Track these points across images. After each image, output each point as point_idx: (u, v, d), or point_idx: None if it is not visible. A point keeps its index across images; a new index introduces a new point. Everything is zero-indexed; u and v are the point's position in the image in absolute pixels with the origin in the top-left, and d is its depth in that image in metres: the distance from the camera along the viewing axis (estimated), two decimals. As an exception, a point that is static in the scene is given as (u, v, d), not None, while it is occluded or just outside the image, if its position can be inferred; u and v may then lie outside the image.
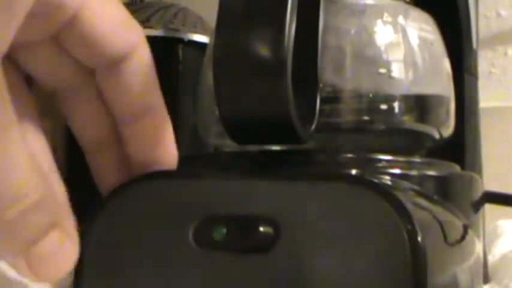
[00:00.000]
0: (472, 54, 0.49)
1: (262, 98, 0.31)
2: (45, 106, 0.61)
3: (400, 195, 0.30)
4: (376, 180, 0.31)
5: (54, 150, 0.60)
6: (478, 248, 0.41)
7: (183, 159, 0.45)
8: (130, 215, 0.34)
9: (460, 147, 0.47)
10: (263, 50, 0.31)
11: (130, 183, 0.35)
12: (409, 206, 0.30)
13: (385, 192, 0.30)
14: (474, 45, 0.49)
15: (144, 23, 0.66)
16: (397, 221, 0.29)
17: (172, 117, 0.63)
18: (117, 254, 0.34)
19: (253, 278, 0.31)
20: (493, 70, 0.70)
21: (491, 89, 0.70)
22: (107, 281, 0.33)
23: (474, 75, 0.49)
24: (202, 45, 0.65)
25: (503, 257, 0.50)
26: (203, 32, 0.67)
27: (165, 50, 0.66)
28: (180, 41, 0.66)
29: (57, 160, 0.58)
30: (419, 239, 0.29)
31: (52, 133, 0.63)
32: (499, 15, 0.69)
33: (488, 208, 0.52)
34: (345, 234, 0.30)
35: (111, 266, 0.34)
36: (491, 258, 0.51)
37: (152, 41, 0.64)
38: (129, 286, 0.33)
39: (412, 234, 0.29)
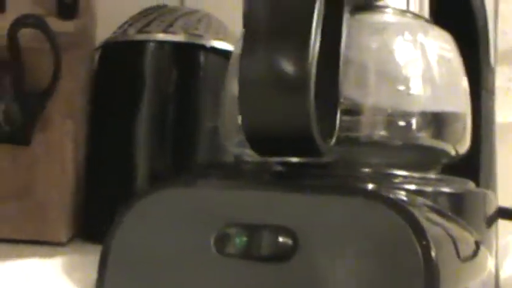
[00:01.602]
0: (490, 71, 0.50)
1: (285, 112, 0.32)
2: (66, 108, 0.62)
3: (415, 211, 0.32)
4: (391, 196, 0.32)
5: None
6: (490, 263, 0.42)
7: (199, 167, 0.46)
8: (154, 221, 0.35)
9: (476, 164, 0.47)
10: (288, 67, 0.32)
11: (155, 190, 0.36)
12: (424, 222, 0.31)
13: (400, 208, 0.31)
14: (492, 62, 0.50)
15: (167, 28, 0.67)
16: (412, 237, 0.30)
17: (193, 122, 0.65)
18: (140, 258, 0.35)
19: (271, 287, 0.32)
20: (511, 86, 0.71)
21: (508, 104, 0.71)
22: (129, 283, 0.35)
23: (491, 92, 0.50)
24: (224, 52, 0.66)
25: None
26: (225, 39, 0.68)
27: (187, 55, 0.67)
28: (203, 47, 0.67)
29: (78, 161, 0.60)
30: (433, 254, 0.30)
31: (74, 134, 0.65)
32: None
33: (502, 224, 0.53)
34: (360, 248, 0.31)
35: (133, 270, 0.35)
36: (502, 274, 0.52)
37: (174, 46, 0.66)
38: (152, 286, 0.34)
39: (426, 249, 0.30)
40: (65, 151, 0.63)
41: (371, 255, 0.31)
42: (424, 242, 0.30)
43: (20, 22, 0.58)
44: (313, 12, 0.32)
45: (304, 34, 0.32)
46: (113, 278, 0.35)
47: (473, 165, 0.47)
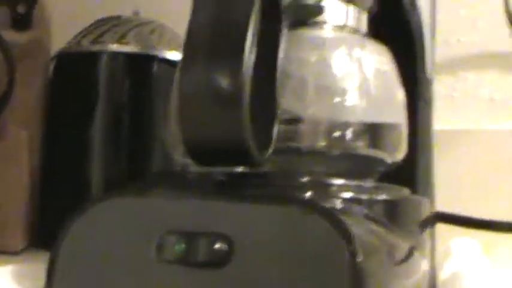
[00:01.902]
0: (427, 82, 0.52)
1: (221, 125, 0.34)
2: (22, 117, 0.63)
3: (344, 218, 0.33)
4: (321, 204, 0.34)
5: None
6: (424, 266, 0.45)
7: (152, 176, 0.48)
8: (102, 228, 0.37)
9: (413, 172, 0.50)
10: (223, 81, 0.34)
11: (102, 199, 0.37)
12: (352, 228, 0.33)
13: (329, 216, 0.33)
14: (428, 74, 0.52)
15: (121, 39, 0.68)
16: (340, 243, 0.32)
17: (147, 132, 0.66)
18: (87, 264, 0.36)
19: None
20: (454, 94, 0.73)
21: (452, 112, 0.73)
22: (78, 284, 0.36)
23: (428, 102, 0.52)
24: (177, 63, 0.67)
25: (454, 274, 0.53)
26: (179, 49, 0.69)
27: (140, 66, 0.68)
28: (155, 58, 0.68)
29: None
30: (359, 259, 0.32)
31: (29, 143, 0.65)
32: (459, 41, 0.73)
33: (443, 228, 0.55)
34: (292, 255, 0.33)
35: (80, 275, 0.37)
36: (442, 275, 0.54)
37: (127, 57, 0.67)
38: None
39: (353, 254, 0.32)
40: (20, 160, 0.64)
41: (303, 262, 0.33)
42: (351, 248, 0.32)
43: (-28, 33, 0.59)
44: (247, 30, 0.33)
45: (238, 51, 0.33)
46: (60, 284, 0.37)
47: (411, 173, 0.49)
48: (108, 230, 0.37)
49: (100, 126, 0.66)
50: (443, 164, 0.68)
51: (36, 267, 0.47)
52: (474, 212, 0.55)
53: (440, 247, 0.56)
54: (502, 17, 0.71)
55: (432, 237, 0.52)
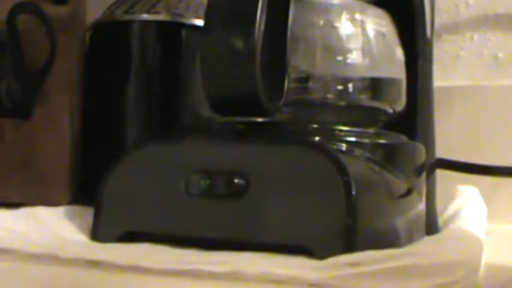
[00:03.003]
0: (426, 43, 0.57)
1: (237, 80, 0.40)
2: (62, 84, 0.68)
3: (342, 156, 0.40)
4: (324, 145, 0.41)
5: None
6: (420, 207, 0.51)
7: (181, 128, 0.54)
8: (139, 171, 0.44)
9: (413, 122, 0.55)
10: (238, 43, 0.40)
11: (139, 147, 0.44)
12: (349, 165, 0.40)
13: (329, 154, 0.40)
14: (428, 34, 0.57)
15: (151, 8, 0.73)
16: (336, 176, 0.39)
17: (176, 94, 0.71)
18: (126, 202, 0.43)
19: (231, 218, 0.41)
20: (461, 53, 0.78)
21: (460, 70, 0.78)
22: (119, 222, 0.43)
23: (428, 61, 0.58)
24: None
25: (454, 215, 0.59)
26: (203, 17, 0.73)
27: (169, 33, 0.73)
28: (183, 25, 0.73)
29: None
30: (354, 191, 0.39)
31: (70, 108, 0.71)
32: (467, 3, 0.78)
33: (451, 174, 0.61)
34: (298, 186, 0.40)
35: (122, 212, 0.44)
36: (445, 215, 0.60)
37: (158, 25, 0.72)
38: (138, 222, 0.43)
39: (348, 186, 0.38)
40: (62, 123, 0.68)
41: (307, 193, 0.39)
42: (346, 179, 0.38)
43: (18, 9, 0.64)
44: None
45: (251, 18, 0.40)
46: (107, 218, 0.44)
47: (412, 124, 0.55)
48: (144, 171, 0.44)
49: (133, 90, 0.71)
50: (450, 118, 0.74)
51: (83, 210, 0.54)
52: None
53: (442, 193, 0.61)
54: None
55: (433, 183, 0.58)
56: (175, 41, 0.73)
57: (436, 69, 0.61)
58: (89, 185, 0.71)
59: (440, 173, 0.59)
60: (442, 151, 0.60)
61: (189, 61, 0.72)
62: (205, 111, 0.52)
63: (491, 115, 0.75)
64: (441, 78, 0.75)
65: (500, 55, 0.77)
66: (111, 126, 0.72)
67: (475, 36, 0.78)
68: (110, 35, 0.74)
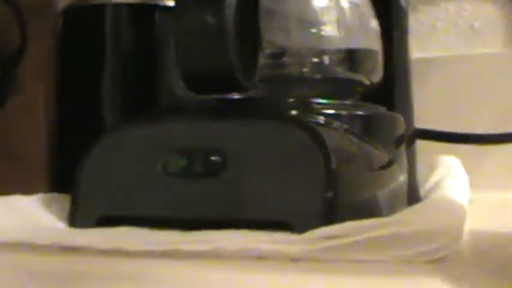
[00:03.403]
0: (401, 13, 0.57)
1: (211, 56, 0.40)
2: (36, 71, 0.68)
3: (320, 129, 0.39)
4: (301, 118, 0.40)
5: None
6: (401, 178, 0.50)
7: (157, 109, 0.54)
8: (113, 154, 0.43)
9: (391, 93, 0.55)
10: (210, 19, 0.39)
11: (112, 130, 0.44)
12: (327, 137, 0.39)
13: (307, 127, 0.39)
14: (403, 5, 0.57)
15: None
16: (314, 148, 0.38)
17: (152, 76, 0.71)
18: (104, 184, 0.43)
19: (210, 196, 0.40)
20: (437, 24, 0.78)
21: (436, 41, 0.78)
22: (97, 204, 0.43)
23: (404, 32, 0.57)
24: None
25: (436, 185, 0.59)
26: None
27: (142, 16, 0.72)
28: (156, 7, 0.72)
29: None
30: (333, 163, 0.38)
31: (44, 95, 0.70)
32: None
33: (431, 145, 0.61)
34: (276, 162, 0.39)
35: (101, 193, 0.43)
36: (427, 186, 0.60)
37: (130, 8, 0.71)
38: (116, 205, 0.42)
39: (327, 157, 0.38)
40: (37, 110, 0.68)
41: (285, 168, 0.39)
42: (324, 151, 0.38)
43: (-13, -4, 0.63)
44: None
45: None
46: (84, 202, 0.43)
47: (389, 95, 0.55)
48: (120, 154, 0.43)
49: (108, 74, 0.70)
50: (426, 89, 0.74)
51: (62, 196, 0.53)
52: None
53: (424, 163, 0.61)
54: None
55: (413, 153, 0.58)
56: (149, 23, 0.72)
57: (413, 40, 0.61)
58: (67, 172, 0.71)
59: (420, 144, 0.59)
60: (420, 122, 0.60)
61: (164, 42, 0.72)
62: (181, 91, 0.51)
63: (468, 85, 0.75)
64: (418, 50, 0.75)
65: (476, 24, 0.77)
66: (87, 111, 0.71)
67: (451, 7, 0.78)
68: (82, 19, 0.73)
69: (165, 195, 0.41)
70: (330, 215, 0.38)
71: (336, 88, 0.50)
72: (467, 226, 0.43)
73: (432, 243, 0.35)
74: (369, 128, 0.48)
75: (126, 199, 0.42)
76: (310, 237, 0.36)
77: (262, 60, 0.45)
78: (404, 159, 0.51)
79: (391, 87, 0.55)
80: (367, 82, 0.51)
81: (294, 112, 0.45)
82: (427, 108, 0.70)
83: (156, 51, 0.72)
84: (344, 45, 0.50)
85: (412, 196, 0.53)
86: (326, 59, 0.49)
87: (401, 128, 0.51)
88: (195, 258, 0.37)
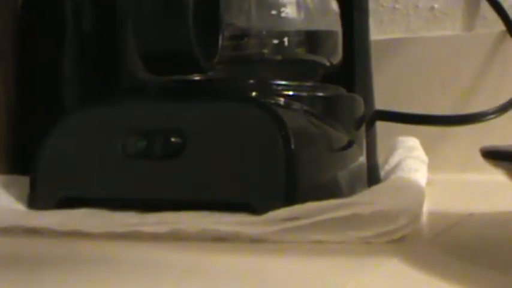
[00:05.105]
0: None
1: (170, 37, 0.40)
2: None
3: (280, 110, 0.39)
4: (260, 100, 0.40)
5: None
6: (361, 159, 0.51)
7: (117, 90, 0.53)
8: (73, 136, 0.43)
9: (351, 74, 0.55)
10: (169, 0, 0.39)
11: (72, 111, 0.43)
12: (287, 119, 0.39)
13: (266, 108, 0.39)
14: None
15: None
16: (274, 130, 0.38)
17: (112, 56, 0.70)
18: (64, 166, 0.43)
19: (170, 178, 0.40)
20: (397, 6, 0.79)
21: (396, 22, 0.78)
22: (57, 186, 0.42)
23: (364, 12, 0.58)
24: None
25: (396, 165, 0.59)
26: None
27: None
28: None
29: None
30: (292, 143, 0.38)
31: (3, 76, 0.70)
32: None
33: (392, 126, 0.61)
34: (236, 143, 0.39)
35: (60, 175, 0.43)
36: (387, 167, 0.60)
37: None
38: (75, 186, 0.42)
39: (286, 138, 0.38)
40: None
41: (245, 149, 0.39)
42: (283, 132, 0.38)
43: None
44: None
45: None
46: (43, 186, 0.43)
47: (349, 76, 0.55)
48: (80, 135, 0.43)
49: (69, 56, 0.70)
50: (386, 70, 0.74)
51: (22, 178, 0.53)
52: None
53: (383, 145, 0.61)
54: None
55: (373, 135, 0.58)
56: (110, 3, 0.72)
57: (373, 22, 0.61)
58: (27, 154, 0.70)
59: (380, 125, 0.59)
60: (380, 103, 0.60)
61: (124, 24, 0.71)
62: (141, 72, 0.51)
63: (428, 67, 0.76)
64: (378, 32, 0.76)
65: (436, 6, 0.77)
66: (48, 94, 0.71)
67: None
68: (41, 1, 0.72)
69: (125, 177, 0.41)
70: (291, 196, 0.39)
71: (296, 69, 0.50)
72: (426, 207, 0.43)
73: (391, 223, 0.36)
74: (329, 110, 0.48)
75: (86, 181, 0.42)
76: (270, 219, 0.37)
77: (222, 42, 0.44)
78: (364, 141, 0.52)
79: (352, 68, 0.55)
80: (327, 63, 0.51)
81: (254, 93, 0.45)
82: (387, 90, 0.70)
83: (117, 32, 0.71)
84: (304, 27, 0.50)
85: (372, 177, 0.54)
86: (286, 41, 0.49)
87: (361, 109, 0.52)
88: (155, 240, 0.37)
